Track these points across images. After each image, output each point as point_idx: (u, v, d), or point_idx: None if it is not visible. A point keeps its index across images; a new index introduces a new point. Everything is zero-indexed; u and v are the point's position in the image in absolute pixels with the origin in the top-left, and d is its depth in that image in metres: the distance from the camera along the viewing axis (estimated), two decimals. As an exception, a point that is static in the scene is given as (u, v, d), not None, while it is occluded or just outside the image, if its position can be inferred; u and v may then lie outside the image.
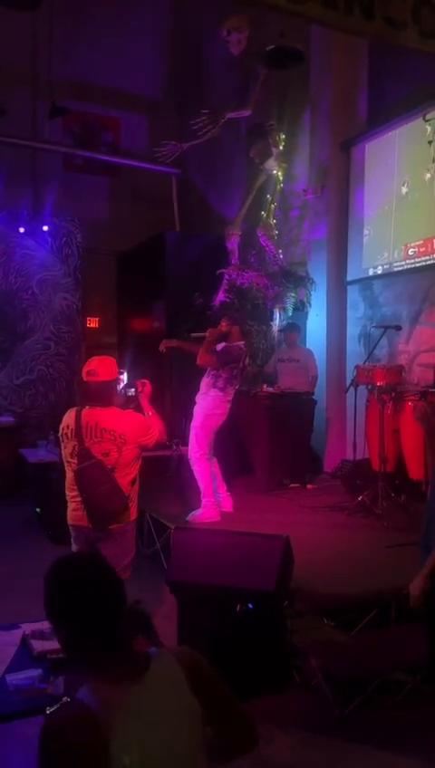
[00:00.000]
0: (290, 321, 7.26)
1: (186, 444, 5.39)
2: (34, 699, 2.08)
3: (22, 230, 8.38)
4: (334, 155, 7.28)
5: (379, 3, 3.73)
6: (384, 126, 6.77)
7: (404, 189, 6.46)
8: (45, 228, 8.52)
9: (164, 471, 6.30)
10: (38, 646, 2.37)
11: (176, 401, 7.47)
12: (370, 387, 5.64)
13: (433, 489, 2.69)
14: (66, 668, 2.17)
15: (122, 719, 1.33)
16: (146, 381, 3.60)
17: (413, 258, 6.36)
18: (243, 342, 5.28)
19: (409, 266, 6.41)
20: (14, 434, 7.84)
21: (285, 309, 7.36)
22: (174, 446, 6.01)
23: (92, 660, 1.43)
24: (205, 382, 5.21)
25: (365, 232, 7.08)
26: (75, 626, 1.44)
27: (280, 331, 7.34)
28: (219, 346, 5.21)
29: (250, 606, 3.40)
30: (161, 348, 5.54)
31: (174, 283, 8.20)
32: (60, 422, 3.40)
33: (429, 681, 3.23)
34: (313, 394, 6.63)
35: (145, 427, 3.34)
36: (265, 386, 6.51)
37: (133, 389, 3.77)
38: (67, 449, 3.31)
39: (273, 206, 7.78)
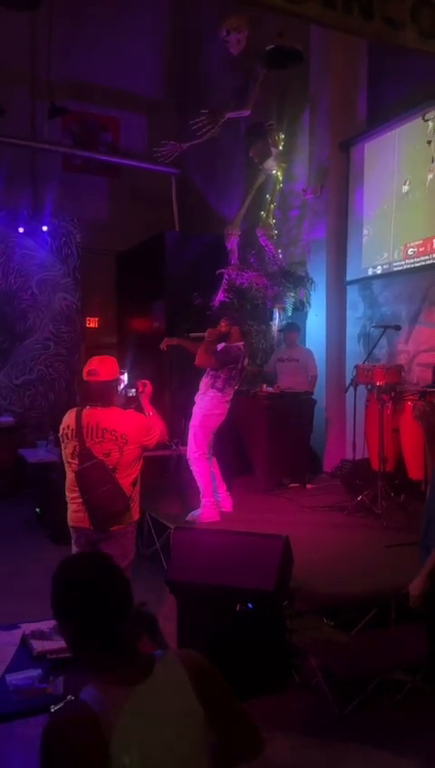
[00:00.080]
0: (290, 320, 7.26)
1: (185, 444, 5.39)
2: (34, 699, 2.09)
3: (21, 230, 8.38)
4: (334, 155, 7.28)
5: (378, 2, 3.73)
6: (384, 126, 6.77)
7: (405, 188, 6.46)
8: (45, 228, 8.53)
9: (164, 471, 6.31)
10: (38, 646, 2.38)
11: (175, 401, 7.48)
12: (369, 386, 5.64)
13: (432, 489, 2.69)
14: (71, 667, 2.18)
15: (124, 720, 1.33)
16: (147, 382, 3.59)
17: (413, 258, 6.36)
18: (242, 343, 5.27)
19: (408, 266, 6.41)
20: (13, 434, 7.84)
21: (284, 309, 7.36)
22: (173, 446, 6.01)
23: (97, 660, 1.43)
24: (204, 382, 5.21)
25: (365, 232, 7.08)
26: (80, 625, 1.44)
27: (280, 330, 7.34)
28: (219, 346, 5.21)
29: (250, 606, 3.40)
30: (162, 346, 5.55)
31: (173, 283, 8.20)
32: (60, 422, 3.38)
33: (428, 681, 3.24)
34: (312, 394, 6.63)
35: (146, 427, 3.32)
36: (264, 386, 6.51)
37: (134, 390, 3.77)
38: (67, 450, 3.29)
39: (272, 205, 7.78)
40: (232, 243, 7.77)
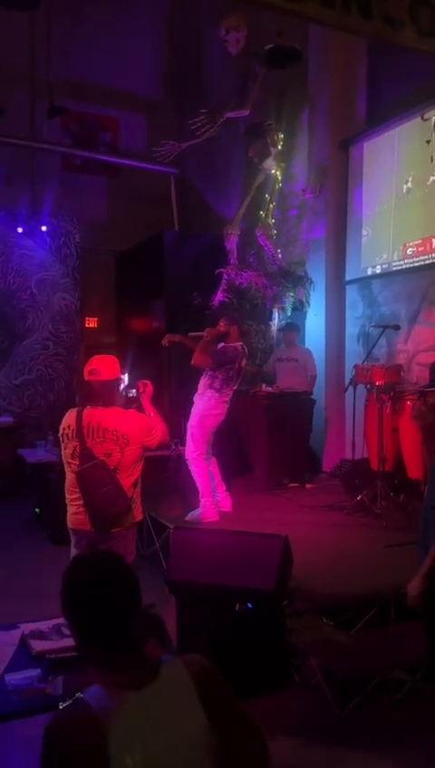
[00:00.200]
0: (289, 320, 7.26)
1: (184, 444, 5.39)
2: (33, 699, 2.08)
3: (20, 230, 8.38)
4: (333, 154, 7.28)
5: (376, 1, 3.72)
6: (383, 125, 6.77)
7: (405, 188, 6.45)
8: (44, 228, 8.52)
9: (163, 471, 6.30)
10: (37, 646, 2.37)
11: (175, 401, 7.47)
12: (369, 386, 5.64)
13: (430, 488, 2.69)
14: (71, 667, 2.18)
15: (126, 722, 1.33)
16: (147, 382, 3.56)
17: (412, 257, 6.36)
18: (240, 343, 5.26)
19: (407, 266, 6.41)
20: (12, 434, 7.84)
21: (283, 308, 7.36)
22: (173, 446, 6.01)
23: (103, 660, 1.43)
24: (202, 382, 5.20)
25: (364, 231, 7.08)
26: (88, 623, 1.44)
27: (279, 330, 7.34)
28: (218, 346, 5.20)
29: (249, 605, 3.40)
30: (164, 342, 5.54)
31: (173, 283, 8.19)
32: (59, 422, 3.33)
33: (428, 680, 3.24)
34: (311, 393, 6.63)
35: (148, 427, 3.28)
36: (263, 385, 6.51)
37: (134, 390, 3.74)
38: (67, 450, 3.24)
39: (271, 205, 7.78)
40: (231, 242, 7.77)
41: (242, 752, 1.46)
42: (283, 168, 7.78)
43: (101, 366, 3.29)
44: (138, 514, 3.31)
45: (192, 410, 5.21)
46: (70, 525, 3.30)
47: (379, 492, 5.25)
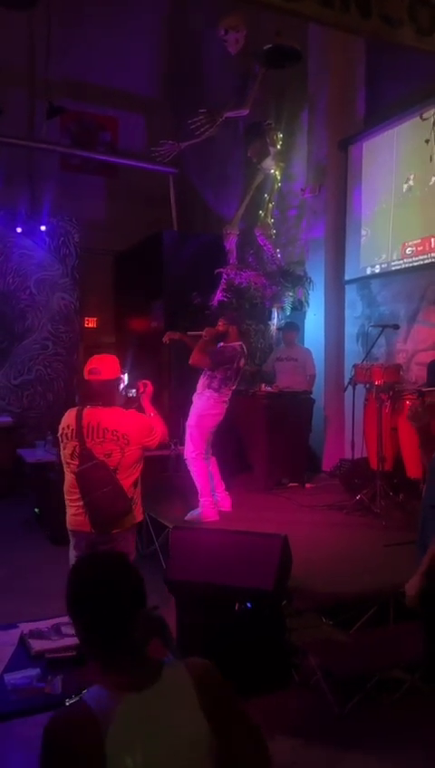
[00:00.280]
0: (288, 320, 7.26)
1: (184, 443, 5.38)
2: (32, 698, 2.08)
3: (19, 230, 8.38)
4: (332, 154, 7.29)
5: (375, 0, 3.73)
6: (382, 125, 6.77)
7: (405, 186, 6.45)
8: (43, 228, 8.52)
9: (162, 471, 6.30)
10: (36, 645, 2.37)
11: (174, 401, 7.47)
12: (368, 386, 5.64)
13: (427, 488, 2.69)
14: (70, 667, 2.18)
15: (124, 723, 1.33)
16: (147, 382, 3.54)
17: (411, 257, 6.36)
18: (239, 343, 5.25)
19: (407, 265, 6.41)
20: (12, 434, 7.84)
21: (283, 308, 7.36)
22: (172, 446, 6.01)
23: (105, 660, 1.43)
24: (201, 382, 5.20)
25: (363, 231, 7.08)
26: (90, 622, 1.44)
27: (278, 330, 7.34)
28: (217, 346, 5.20)
29: (249, 605, 3.40)
30: (165, 339, 5.54)
31: (172, 283, 8.19)
32: (58, 422, 3.31)
33: (427, 679, 3.24)
34: (311, 393, 6.63)
35: (149, 427, 3.26)
36: (263, 385, 6.51)
37: (134, 390, 3.73)
38: (67, 450, 3.21)
39: (271, 205, 7.78)
40: (230, 242, 7.77)
41: (243, 755, 1.45)
42: (282, 168, 7.78)
43: (102, 365, 3.27)
44: (138, 515, 3.29)
45: (191, 410, 5.21)
46: (69, 527, 3.27)
47: (378, 491, 5.25)
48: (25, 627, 2.54)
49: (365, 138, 7.05)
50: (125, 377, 3.76)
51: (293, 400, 6.41)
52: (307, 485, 6.37)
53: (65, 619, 2.53)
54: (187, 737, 1.37)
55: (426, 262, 6.15)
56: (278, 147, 7.65)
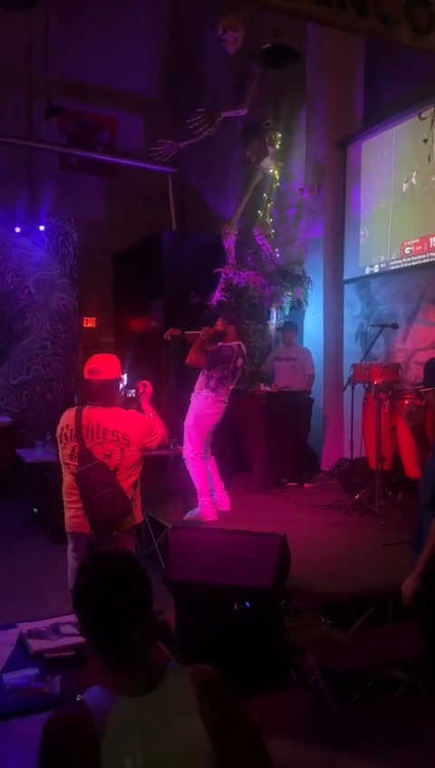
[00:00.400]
0: (287, 319, 7.26)
1: (183, 443, 5.38)
2: (31, 698, 2.09)
3: (18, 230, 8.38)
4: (331, 153, 7.28)
5: None
6: (381, 124, 6.77)
7: (403, 186, 6.46)
8: (42, 228, 8.53)
9: (161, 470, 6.30)
10: (35, 645, 2.37)
11: (173, 401, 7.47)
12: (367, 385, 5.64)
13: (423, 486, 2.69)
14: (68, 667, 2.18)
15: (121, 726, 1.33)
16: (147, 383, 3.52)
17: (410, 257, 6.36)
18: (237, 343, 5.25)
19: (405, 264, 6.41)
20: (11, 434, 7.85)
21: (281, 308, 7.36)
22: (171, 446, 6.01)
23: (107, 661, 1.43)
24: (199, 382, 5.20)
25: (362, 230, 7.08)
26: (90, 623, 1.44)
27: (277, 329, 7.34)
28: (216, 345, 5.20)
29: (247, 604, 3.40)
30: (166, 336, 5.54)
31: (171, 283, 8.19)
32: (57, 422, 3.28)
33: (425, 678, 3.24)
34: (310, 393, 6.63)
35: (149, 428, 3.23)
36: (262, 385, 6.51)
37: (133, 391, 3.71)
38: (66, 451, 3.17)
39: (269, 204, 7.78)
40: (229, 242, 7.77)
41: (243, 765, 1.44)
42: (281, 168, 7.78)
43: (102, 365, 3.25)
44: (138, 517, 3.27)
45: (189, 410, 5.21)
46: (68, 529, 3.23)
47: (377, 490, 5.25)
48: (24, 626, 2.54)
49: (364, 137, 7.05)
50: (124, 377, 3.76)
51: (292, 400, 6.41)
52: (306, 485, 6.37)
53: (64, 618, 2.54)
54: (184, 744, 1.36)
55: (425, 261, 6.15)
56: (277, 146, 7.64)
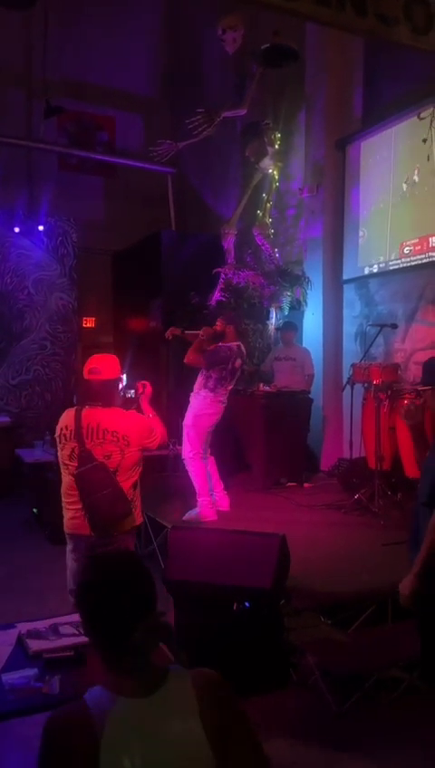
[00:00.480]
0: (286, 319, 7.26)
1: (181, 443, 5.38)
2: (30, 698, 2.08)
3: (17, 230, 8.38)
4: (330, 153, 7.28)
5: None
6: (380, 124, 6.77)
7: (402, 186, 6.46)
8: (41, 228, 8.52)
9: (160, 470, 6.30)
10: (34, 645, 2.37)
11: (172, 401, 7.47)
12: (366, 385, 5.64)
13: (421, 486, 2.69)
14: (68, 667, 2.18)
15: (121, 727, 1.32)
16: (147, 383, 3.51)
17: (409, 256, 6.36)
18: (236, 343, 5.25)
19: (404, 264, 6.41)
20: (10, 434, 7.85)
21: (281, 308, 7.36)
22: (170, 446, 6.00)
23: (107, 660, 1.43)
24: (197, 382, 5.20)
25: (361, 230, 7.08)
26: (91, 623, 1.44)
27: (277, 329, 7.34)
28: (215, 346, 5.20)
29: (247, 604, 3.40)
30: (167, 334, 5.55)
31: (170, 283, 8.19)
32: (56, 422, 3.26)
33: (424, 678, 3.24)
34: (309, 392, 6.63)
35: (149, 428, 3.22)
36: (261, 384, 6.51)
37: (133, 391, 3.70)
38: (65, 451, 3.15)
39: (268, 204, 7.78)
40: (229, 242, 7.77)
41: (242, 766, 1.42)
42: (280, 168, 7.78)
43: (102, 365, 3.23)
44: (138, 518, 3.26)
45: (187, 410, 5.21)
46: (67, 530, 3.21)
47: (376, 490, 5.25)
48: (23, 627, 2.53)
49: (363, 137, 7.05)
50: (124, 377, 3.75)
51: (291, 400, 6.41)
52: (306, 485, 6.37)
53: (63, 619, 2.54)
54: (183, 747, 1.35)
55: (424, 261, 6.15)
56: (276, 146, 7.65)
